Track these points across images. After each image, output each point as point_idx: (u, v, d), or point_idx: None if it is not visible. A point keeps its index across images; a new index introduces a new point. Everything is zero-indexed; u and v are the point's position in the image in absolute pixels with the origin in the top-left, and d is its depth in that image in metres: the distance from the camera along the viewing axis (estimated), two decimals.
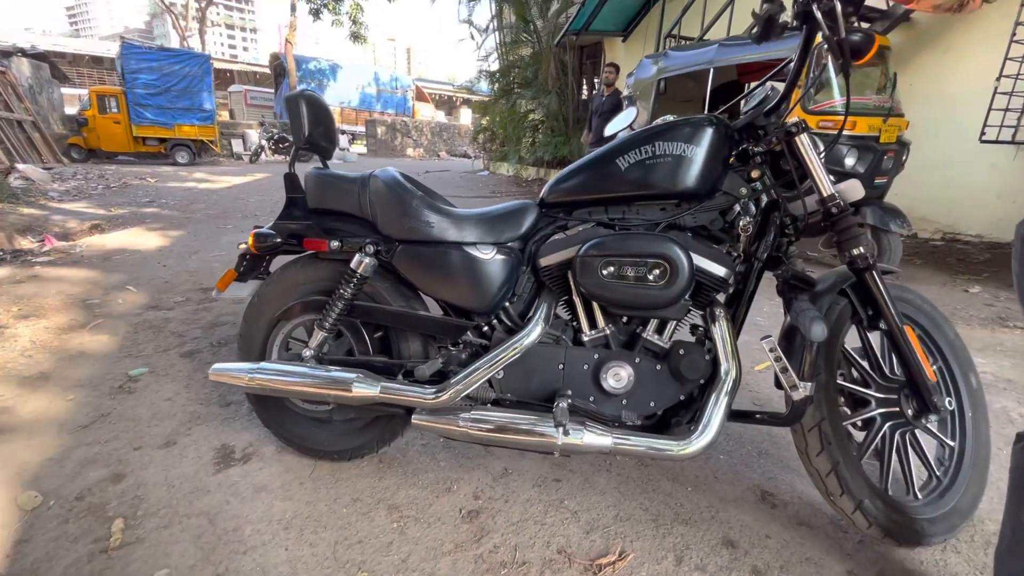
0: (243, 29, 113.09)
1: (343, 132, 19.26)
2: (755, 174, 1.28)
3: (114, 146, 13.14)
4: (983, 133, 4.57)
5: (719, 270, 1.24)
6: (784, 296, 1.25)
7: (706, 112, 5.12)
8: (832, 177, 1.24)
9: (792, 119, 1.25)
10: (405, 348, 1.48)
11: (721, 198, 1.29)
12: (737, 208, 1.30)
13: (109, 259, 4.11)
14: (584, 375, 1.32)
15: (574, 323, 1.40)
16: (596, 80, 10.96)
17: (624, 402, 1.32)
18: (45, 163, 10.08)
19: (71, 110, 14.35)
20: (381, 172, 1.44)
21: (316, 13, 17.78)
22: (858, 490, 1.18)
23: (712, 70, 4.77)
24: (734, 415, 1.28)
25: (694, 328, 1.40)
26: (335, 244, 1.42)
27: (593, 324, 1.35)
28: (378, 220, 1.39)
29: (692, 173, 1.22)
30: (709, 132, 1.22)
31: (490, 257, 1.35)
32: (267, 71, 25.12)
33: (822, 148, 1.31)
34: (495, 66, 12.24)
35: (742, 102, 1.50)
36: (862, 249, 1.22)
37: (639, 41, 9.21)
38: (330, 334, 1.44)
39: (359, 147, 21.29)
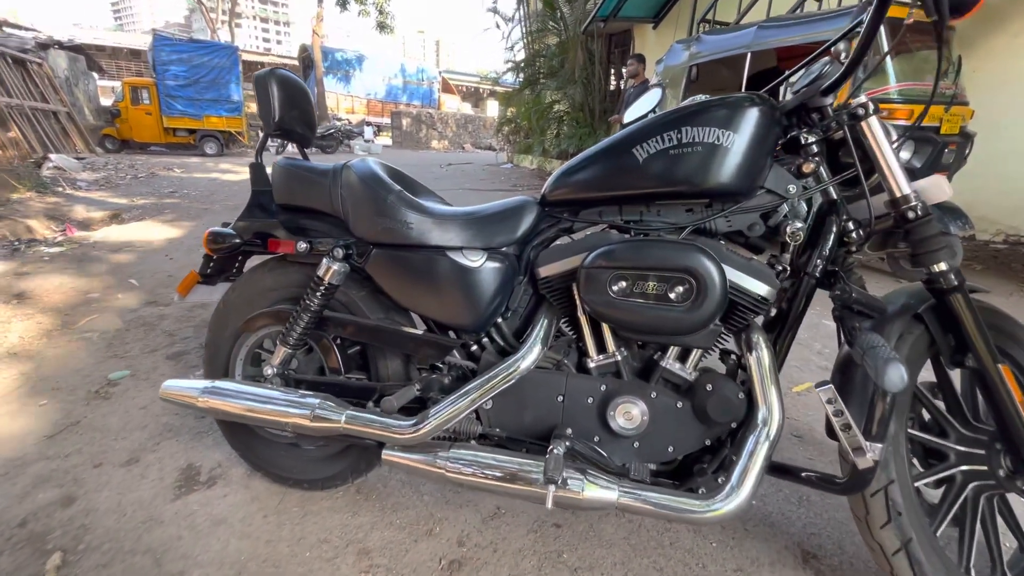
0: (277, 22, 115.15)
1: (368, 124, 19.27)
2: (807, 168, 1.02)
3: (146, 137, 13.40)
4: None
5: (759, 288, 0.99)
6: (843, 324, 1.00)
7: None
8: (906, 173, 0.98)
9: (859, 99, 0.99)
10: (384, 368, 1.28)
11: (764, 197, 1.04)
12: (784, 210, 1.05)
13: (119, 250, 4.05)
14: (588, 410, 1.10)
15: (579, 345, 1.18)
16: (624, 70, 10.56)
17: (636, 445, 1.09)
18: (78, 153, 10.31)
19: (107, 102, 14.69)
20: (357, 163, 1.23)
21: (343, 3, 17.76)
22: (935, 575, 0.93)
23: (749, 55, 4.40)
24: (773, 469, 1.04)
25: (725, 355, 1.15)
26: (303, 246, 1.22)
27: (602, 348, 1.12)
28: (350, 219, 1.19)
29: (728, 166, 0.97)
30: (752, 115, 0.97)
31: (478, 265, 1.13)
32: (297, 63, 25.34)
33: (895, 137, 1.05)
34: (521, 55, 11.93)
35: (787, 83, 1.25)
36: (946, 265, 0.96)
37: (670, 28, 8.76)
38: (295, 350, 1.26)
39: (384, 139, 21.29)
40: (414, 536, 1.28)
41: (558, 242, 1.16)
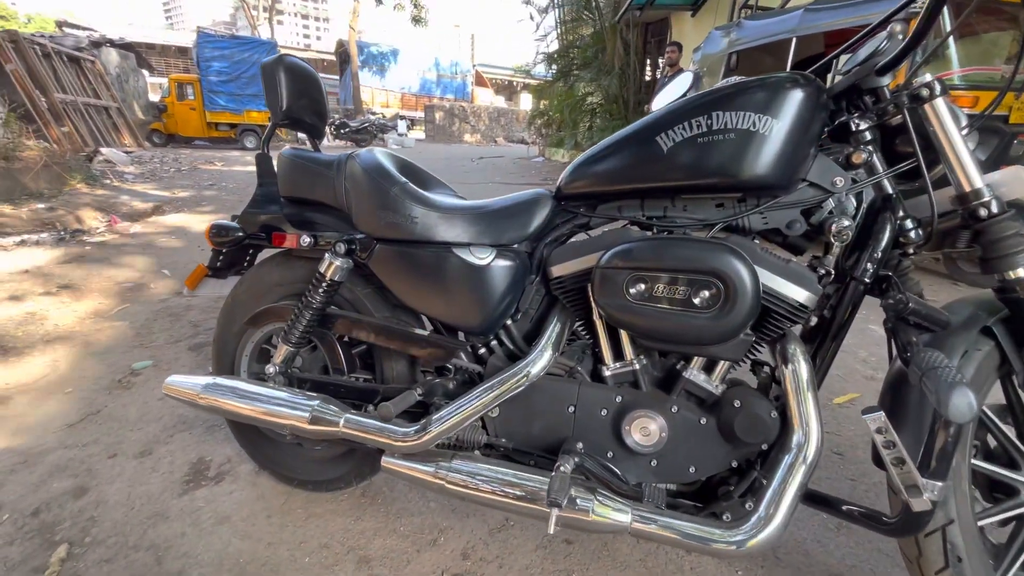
0: (316, 19, 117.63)
1: (402, 117, 19.41)
2: (858, 158, 0.89)
3: (190, 131, 13.88)
4: None
5: (797, 293, 0.88)
6: (897, 338, 0.87)
7: None
8: (978, 163, 0.84)
9: (923, 78, 0.86)
10: (389, 369, 1.22)
11: (806, 191, 0.92)
12: (829, 206, 0.92)
13: (156, 241, 4.18)
14: (601, 423, 1.01)
15: (595, 351, 1.08)
16: (660, 60, 10.24)
17: (654, 464, 0.99)
18: (127, 147, 10.77)
19: (155, 97, 15.29)
20: (363, 153, 1.17)
21: None
22: None
23: (795, 40, 4.14)
24: (809, 497, 0.93)
25: (758, 366, 1.04)
26: (307, 240, 1.18)
27: (619, 355, 1.03)
28: (353, 212, 1.13)
29: (764, 156, 0.86)
30: (794, 97, 0.85)
31: (486, 263, 1.06)
32: (334, 58, 25.77)
33: (965, 123, 0.91)
34: (554, 46, 11.74)
35: (835, 64, 1.12)
36: None
37: (710, 16, 8.40)
38: (298, 348, 1.21)
39: (418, 133, 21.44)
40: (417, 546, 1.22)
41: (572, 240, 1.07)
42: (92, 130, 9.74)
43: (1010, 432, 0.93)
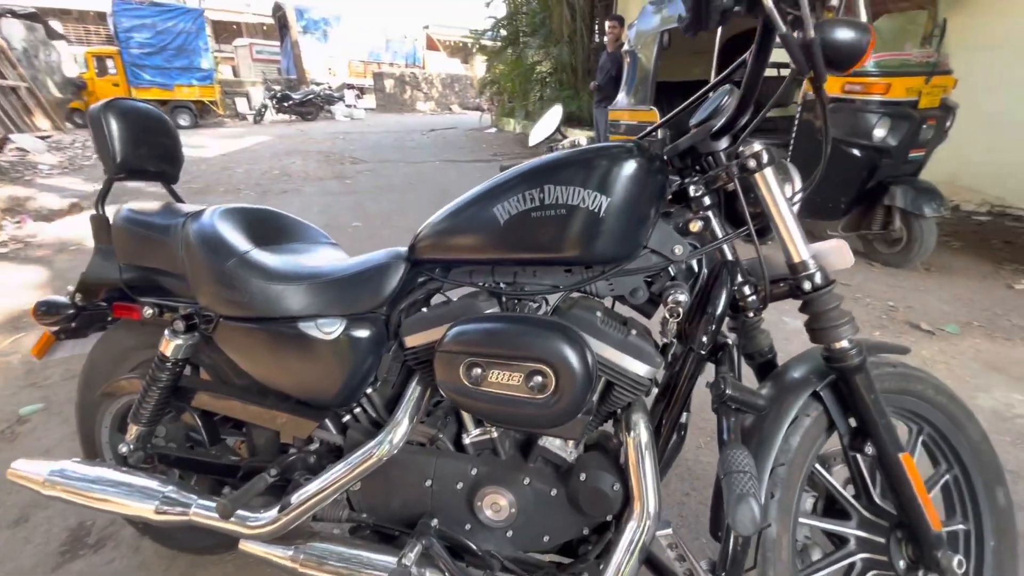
0: None
1: (350, 87, 18.53)
2: (694, 227, 0.88)
3: None
4: None
5: (636, 367, 0.87)
6: (719, 422, 0.88)
7: (713, 71, 4.45)
8: (804, 234, 0.84)
9: (753, 147, 0.84)
10: (257, 437, 1.17)
11: (649, 258, 0.90)
12: (670, 273, 0.92)
13: (65, 250, 3.90)
14: (457, 498, 1.00)
15: (458, 415, 1.06)
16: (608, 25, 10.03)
17: (509, 535, 0.99)
18: (43, 132, 9.91)
19: (73, 72, 14.03)
20: (203, 219, 1.08)
21: None
22: None
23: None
24: (651, 565, 0.95)
25: (619, 424, 1.04)
26: (149, 312, 1.10)
27: (479, 421, 1.01)
28: (191, 286, 1.05)
29: (598, 232, 0.83)
30: (623, 172, 0.83)
31: (334, 336, 1.00)
32: (273, 23, 24.12)
33: (799, 186, 0.90)
34: (501, 11, 11.30)
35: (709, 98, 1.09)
36: (847, 342, 0.84)
37: None
38: (150, 427, 1.14)
39: (367, 102, 20.53)
40: None
41: (424, 310, 1.02)
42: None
43: (838, 485, 0.97)
